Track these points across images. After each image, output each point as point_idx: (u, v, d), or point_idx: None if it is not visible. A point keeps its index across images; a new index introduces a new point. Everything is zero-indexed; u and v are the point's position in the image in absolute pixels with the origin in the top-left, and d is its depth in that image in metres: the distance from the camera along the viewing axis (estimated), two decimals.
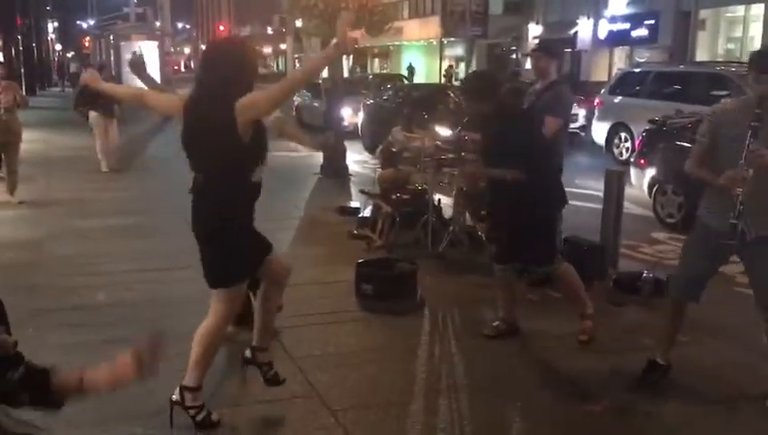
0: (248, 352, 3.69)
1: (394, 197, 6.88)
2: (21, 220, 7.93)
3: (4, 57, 26.01)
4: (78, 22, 60.42)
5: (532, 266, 4.83)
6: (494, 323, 4.70)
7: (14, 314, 2.59)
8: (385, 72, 40.04)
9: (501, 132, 4.36)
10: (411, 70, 32.15)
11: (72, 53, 59.97)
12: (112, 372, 2.35)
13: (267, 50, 62.29)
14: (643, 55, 25.90)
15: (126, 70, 17.33)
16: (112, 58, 27.08)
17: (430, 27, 39.07)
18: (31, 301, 5.02)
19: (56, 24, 53.95)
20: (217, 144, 3.14)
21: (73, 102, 11.90)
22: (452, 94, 16.07)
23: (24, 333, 2.87)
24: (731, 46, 24.50)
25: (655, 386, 3.89)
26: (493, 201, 4.84)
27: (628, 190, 6.62)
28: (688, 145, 8.06)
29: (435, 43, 38.79)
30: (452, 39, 37.19)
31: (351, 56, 42.15)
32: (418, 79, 27.12)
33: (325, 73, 12.32)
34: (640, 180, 8.50)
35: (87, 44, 44.39)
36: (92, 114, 11.16)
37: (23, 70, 28.13)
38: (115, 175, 11.02)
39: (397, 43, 42.35)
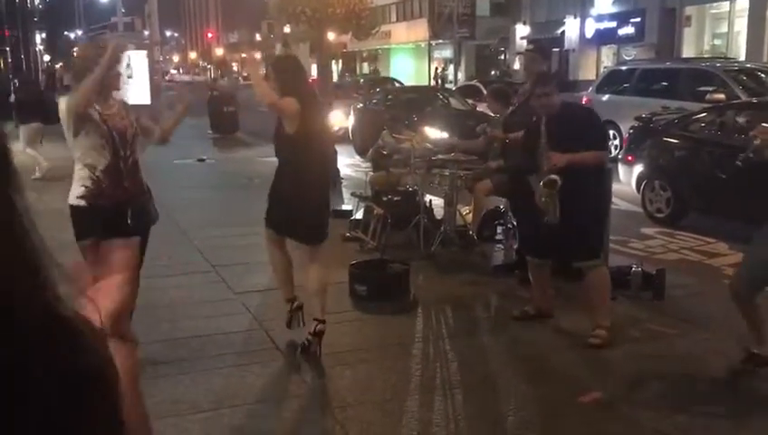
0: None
1: (386, 199, 6.94)
2: None
3: None
4: (66, 32, 60.26)
5: (573, 261, 4.60)
6: (525, 308, 4.87)
7: None
8: (368, 74, 40.10)
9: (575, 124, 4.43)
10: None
11: (61, 63, 59.80)
12: None
13: (257, 55, 62.50)
14: (630, 53, 26.09)
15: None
16: None
17: (418, 30, 39.21)
18: None
19: (44, 35, 53.80)
20: None
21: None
22: (441, 96, 16.17)
23: None
24: (717, 42, 24.71)
25: (753, 373, 3.98)
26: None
27: (616, 187, 6.70)
28: (675, 141, 8.21)
29: (423, 45, 38.95)
30: (440, 41, 37.34)
31: (341, 60, 42.37)
32: (407, 82, 27.40)
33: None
34: (628, 177, 8.59)
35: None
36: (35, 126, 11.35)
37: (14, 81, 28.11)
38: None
39: (385, 46, 42.50)
